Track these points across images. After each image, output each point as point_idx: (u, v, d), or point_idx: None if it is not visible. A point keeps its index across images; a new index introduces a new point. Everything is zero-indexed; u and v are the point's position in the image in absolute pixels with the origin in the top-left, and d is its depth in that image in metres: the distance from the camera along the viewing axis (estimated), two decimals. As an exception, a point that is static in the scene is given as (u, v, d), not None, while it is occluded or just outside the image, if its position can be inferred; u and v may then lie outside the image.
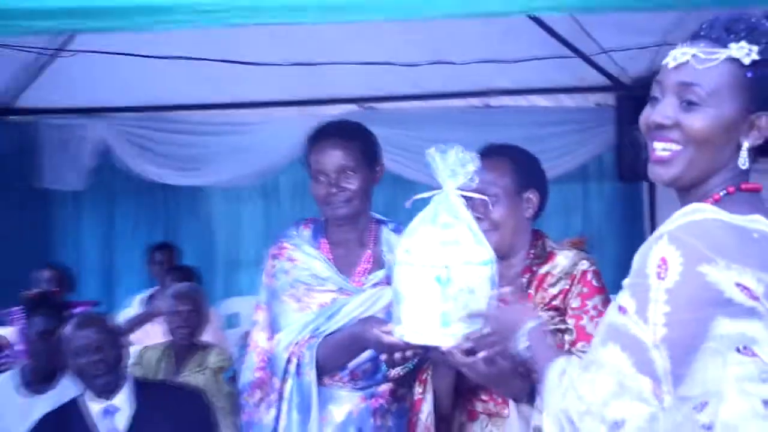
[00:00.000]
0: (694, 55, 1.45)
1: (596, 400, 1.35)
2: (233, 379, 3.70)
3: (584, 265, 2.22)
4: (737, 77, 1.43)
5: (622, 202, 6.20)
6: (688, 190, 1.51)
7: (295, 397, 2.35)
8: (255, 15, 2.22)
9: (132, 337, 4.70)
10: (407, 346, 2.04)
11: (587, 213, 6.31)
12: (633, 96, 5.53)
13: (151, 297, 4.86)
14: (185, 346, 3.92)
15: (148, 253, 5.58)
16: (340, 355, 2.36)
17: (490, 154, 2.28)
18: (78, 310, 4.04)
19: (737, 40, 1.43)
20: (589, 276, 2.20)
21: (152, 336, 4.53)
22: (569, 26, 4.89)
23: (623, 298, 1.40)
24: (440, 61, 5.25)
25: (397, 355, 2.14)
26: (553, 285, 2.21)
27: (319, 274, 2.46)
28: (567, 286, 2.20)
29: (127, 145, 6.10)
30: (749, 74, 1.42)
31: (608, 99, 5.81)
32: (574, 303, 2.18)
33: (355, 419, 2.41)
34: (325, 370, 2.38)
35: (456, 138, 2.85)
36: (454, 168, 1.98)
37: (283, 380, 2.37)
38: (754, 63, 1.42)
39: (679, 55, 1.47)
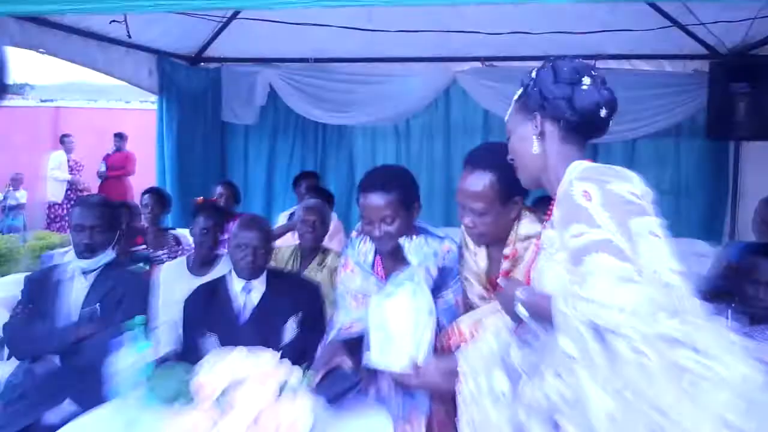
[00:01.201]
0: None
1: (602, 296, 1.45)
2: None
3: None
4: (516, 107, 1.89)
5: (710, 158, 6.00)
6: (544, 186, 1.85)
7: None
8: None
9: (276, 242, 5.02)
10: (373, 369, 2.39)
11: (678, 166, 6.14)
12: (725, 64, 5.34)
13: (293, 213, 5.10)
14: (309, 248, 4.09)
15: (296, 178, 5.79)
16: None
17: (476, 168, 2.22)
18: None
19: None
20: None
21: (289, 242, 4.82)
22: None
23: (572, 229, 1.58)
24: (555, 31, 5.19)
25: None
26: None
27: (369, 291, 2.60)
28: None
29: (290, 89, 6.46)
30: (519, 102, 1.87)
31: (704, 66, 5.60)
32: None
33: None
34: None
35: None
36: (418, 253, 2.46)
37: None
38: (520, 96, 1.87)
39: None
